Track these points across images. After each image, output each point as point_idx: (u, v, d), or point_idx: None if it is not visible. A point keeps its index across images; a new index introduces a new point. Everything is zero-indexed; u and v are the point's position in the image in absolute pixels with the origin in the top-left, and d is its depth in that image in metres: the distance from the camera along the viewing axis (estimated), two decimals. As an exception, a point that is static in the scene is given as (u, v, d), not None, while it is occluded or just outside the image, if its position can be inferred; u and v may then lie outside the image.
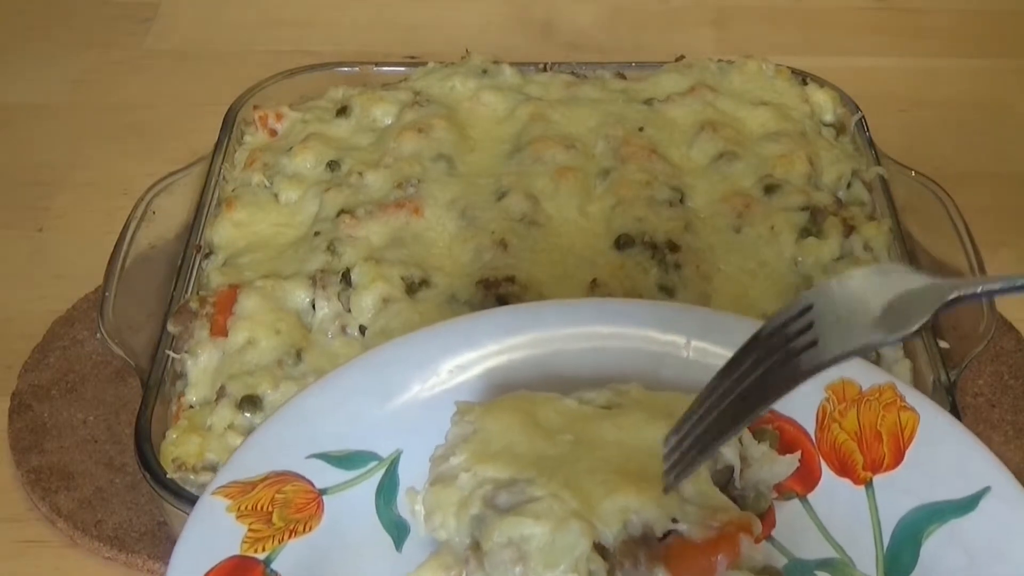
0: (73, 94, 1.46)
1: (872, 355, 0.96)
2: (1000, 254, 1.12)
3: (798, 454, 0.81)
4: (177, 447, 0.92)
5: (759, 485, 0.78)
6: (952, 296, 0.60)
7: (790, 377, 0.62)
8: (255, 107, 1.21)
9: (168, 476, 0.89)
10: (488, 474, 0.74)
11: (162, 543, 0.96)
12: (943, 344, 0.96)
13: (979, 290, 0.61)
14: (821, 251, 1.03)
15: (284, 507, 0.78)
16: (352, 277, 1.01)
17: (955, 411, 0.88)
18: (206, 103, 1.30)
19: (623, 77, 1.25)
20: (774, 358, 0.63)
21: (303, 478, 0.79)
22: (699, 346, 0.85)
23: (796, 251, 1.03)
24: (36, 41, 1.54)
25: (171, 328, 0.99)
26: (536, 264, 1.02)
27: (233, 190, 1.13)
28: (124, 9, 1.59)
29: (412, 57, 1.38)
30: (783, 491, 0.81)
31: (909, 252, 1.04)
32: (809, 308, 0.63)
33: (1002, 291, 0.61)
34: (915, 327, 0.60)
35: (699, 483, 0.73)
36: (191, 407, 0.96)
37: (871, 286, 0.62)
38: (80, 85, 1.47)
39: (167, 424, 0.94)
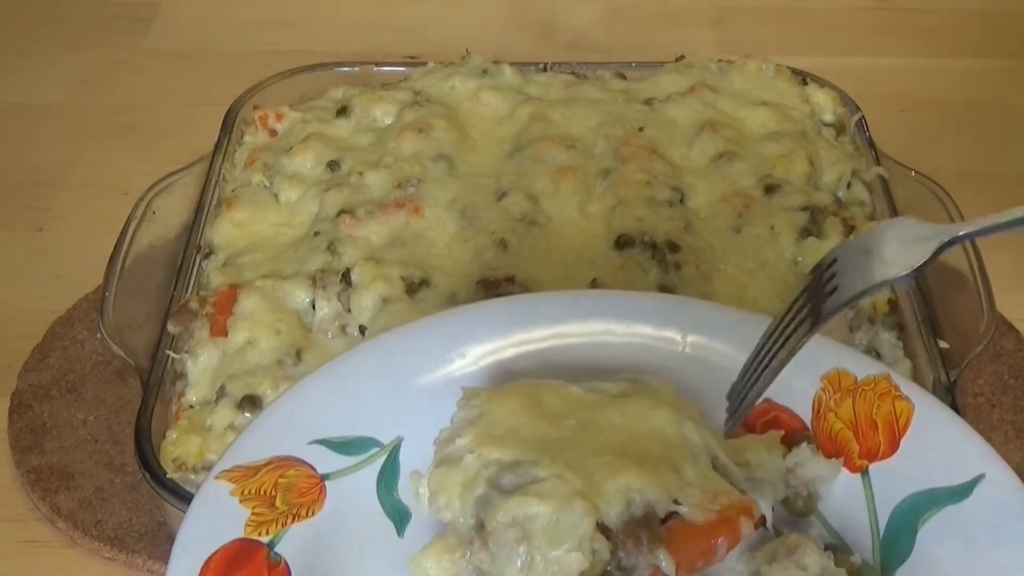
0: (73, 94, 1.46)
1: (872, 352, 0.96)
2: (1000, 254, 1.12)
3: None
4: (177, 447, 0.92)
5: (810, 485, 0.80)
6: (949, 237, 0.67)
7: (816, 318, 0.70)
8: (255, 107, 1.21)
9: (168, 476, 0.89)
10: (493, 456, 0.74)
11: (162, 543, 0.96)
12: (943, 344, 0.96)
13: (976, 229, 0.67)
14: (821, 251, 1.02)
15: (287, 491, 0.79)
16: (352, 277, 1.01)
17: (955, 411, 0.88)
18: (206, 103, 1.30)
19: (623, 77, 1.25)
20: (807, 307, 0.71)
21: (305, 463, 0.80)
22: (695, 340, 0.86)
23: (796, 251, 1.03)
24: (36, 41, 1.54)
25: (171, 328, 0.99)
26: (536, 264, 1.02)
27: (233, 190, 1.13)
28: (124, 9, 1.59)
29: (412, 57, 1.38)
30: None
31: (909, 252, 1.04)
32: (835, 261, 0.71)
33: (996, 228, 0.67)
34: (919, 264, 0.67)
35: (700, 468, 0.74)
36: (191, 407, 0.96)
37: (883, 236, 0.69)
38: (80, 85, 1.47)
39: (167, 424, 0.94)
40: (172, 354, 0.98)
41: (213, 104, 1.23)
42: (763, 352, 0.73)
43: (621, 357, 0.85)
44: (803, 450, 0.81)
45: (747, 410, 0.74)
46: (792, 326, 0.72)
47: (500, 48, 1.31)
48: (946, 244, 0.67)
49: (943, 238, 0.67)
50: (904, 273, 0.67)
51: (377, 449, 0.82)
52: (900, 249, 0.68)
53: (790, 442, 0.82)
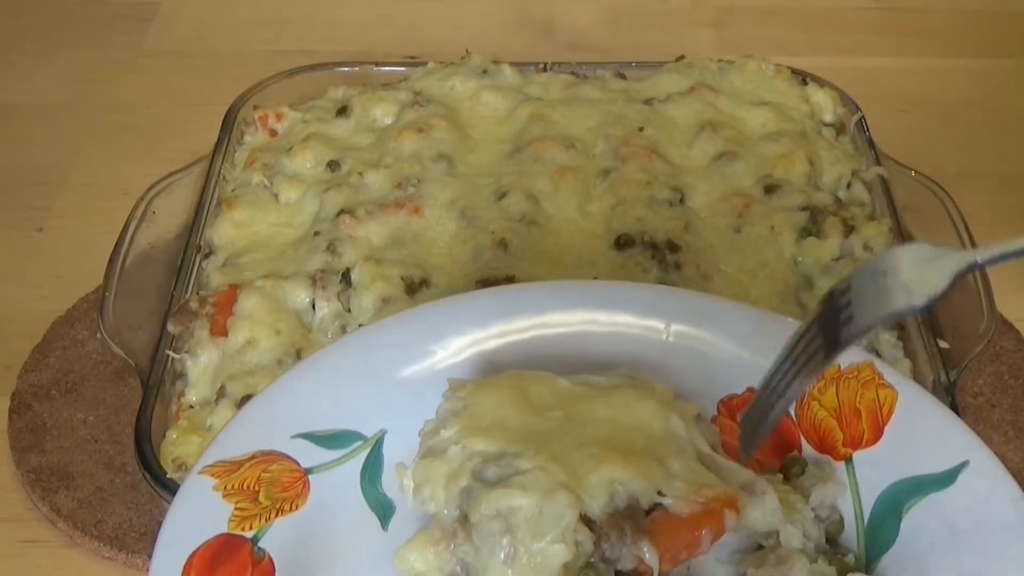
0: (73, 94, 1.46)
1: (872, 352, 0.96)
2: (1000, 254, 1.12)
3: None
4: (177, 447, 0.92)
5: (835, 507, 0.80)
6: (969, 263, 0.64)
7: (832, 348, 0.67)
8: (255, 107, 1.21)
9: (168, 476, 0.89)
10: (477, 447, 0.74)
11: (162, 543, 0.96)
12: (943, 344, 0.96)
13: (996, 254, 0.65)
14: (821, 251, 1.03)
15: (270, 486, 0.79)
16: (352, 277, 1.01)
17: (955, 411, 0.88)
18: (206, 103, 1.30)
19: (623, 77, 1.25)
20: (821, 336, 0.68)
21: (288, 458, 0.80)
22: (679, 329, 0.86)
23: (796, 251, 1.04)
24: (36, 41, 1.54)
25: (171, 328, 0.99)
26: (536, 264, 1.02)
27: (233, 190, 1.13)
28: (124, 9, 1.59)
29: (412, 57, 1.38)
30: (764, 468, 0.81)
31: (909, 252, 1.04)
32: (849, 288, 0.68)
33: (1015, 254, 0.65)
34: (939, 291, 0.64)
35: (685, 460, 0.74)
36: (191, 407, 0.96)
37: (899, 262, 0.66)
38: (80, 85, 1.47)
39: (167, 424, 0.94)
40: (172, 354, 0.98)
41: (213, 104, 1.23)
42: (775, 380, 0.72)
43: (605, 347, 0.85)
44: (810, 477, 0.80)
45: (761, 439, 0.73)
46: (805, 354, 0.70)
47: (500, 48, 1.31)
48: (964, 270, 0.65)
49: (961, 264, 0.65)
50: (923, 302, 0.64)
51: (360, 442, 0.82)
52: (918, 274, 0.65)
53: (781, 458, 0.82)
